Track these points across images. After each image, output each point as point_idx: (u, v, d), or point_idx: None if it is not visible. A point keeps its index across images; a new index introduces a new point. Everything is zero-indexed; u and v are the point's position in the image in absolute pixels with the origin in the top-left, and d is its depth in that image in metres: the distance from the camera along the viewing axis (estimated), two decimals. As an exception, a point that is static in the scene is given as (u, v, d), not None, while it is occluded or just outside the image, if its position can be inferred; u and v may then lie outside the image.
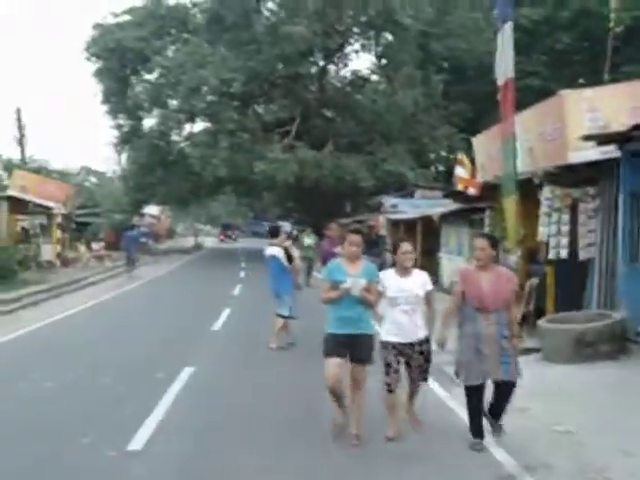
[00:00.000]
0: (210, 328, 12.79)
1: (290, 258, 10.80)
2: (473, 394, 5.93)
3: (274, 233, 11.18)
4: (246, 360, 10.01)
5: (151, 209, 49.45)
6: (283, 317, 10.81)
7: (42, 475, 5.33)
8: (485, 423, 6.07)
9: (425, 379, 6.37)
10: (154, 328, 13.14)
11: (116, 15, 35.74)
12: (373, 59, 37.59)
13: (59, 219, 28.75)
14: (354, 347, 6.00)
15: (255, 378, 8.84)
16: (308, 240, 21.55)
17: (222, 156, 30.89)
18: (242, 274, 26.14)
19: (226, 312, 14.76)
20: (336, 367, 6.01)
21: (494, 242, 6.07)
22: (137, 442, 6.04)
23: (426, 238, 20.88)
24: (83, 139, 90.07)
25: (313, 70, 35.85)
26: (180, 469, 5.52)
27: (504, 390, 5.93)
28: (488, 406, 6.10)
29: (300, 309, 11.20)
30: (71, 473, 5.42)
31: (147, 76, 36.23)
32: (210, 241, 63.25)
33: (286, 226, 17.42)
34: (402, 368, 6.23)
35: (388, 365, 6.14)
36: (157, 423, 6.62)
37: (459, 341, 6.05)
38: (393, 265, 6.38)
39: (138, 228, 31.40)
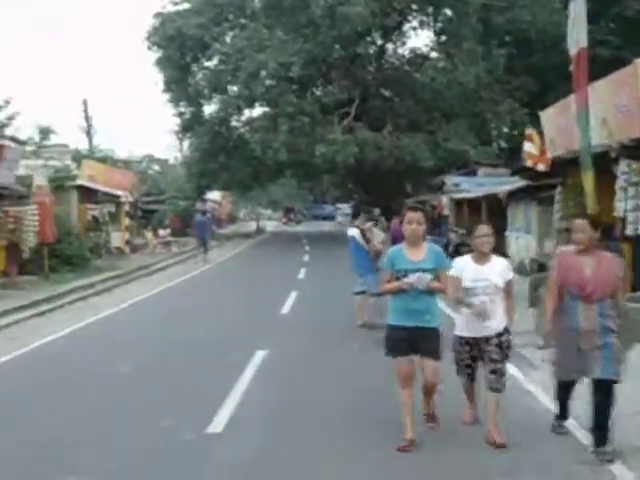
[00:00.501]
0: (279, 311, 12.90)
1: (367, 240, 10.88)
2: (564, 387, 5.53)
3: (355, 215, 11.37)
4: (317, 343, 10.03)
5: (213, 195, 50.09)
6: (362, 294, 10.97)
7: (123, 459, 5.46)
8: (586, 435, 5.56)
9: (499, 389, 5.60)
10: (224, 311, 13.35)
11: (175, 3, 36.15)
12: (432, 36, 36.94)
13: (126, 207, 29.52)
14: (419, 342, 5.40)
15: (329, 361, 8.85)
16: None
17: (282, 140, 30.97)
18: (306, 257, 26.24)
19: (293, 295, 14.85)
20: (406, 368, 5.45)
21: (594, 223, 5.34)
22: (216, 425, 6.13)
23: (492, 217, 20.39)
24: (145, 128, 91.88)
25: (371, 50, 35.45)
26: (260, 452, 5.56)
27: (604, 390, 5.21)
28: (592, 422, 5.33)
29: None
30: (152, 456, 5.52)
31: (207, 63, 36.58)
32: (271, 225, 63.74)
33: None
34: (478, 365, 5.81)
35: (463, 364, 5.79)
36: (235, 406, 6.69)
37: (556, 334, 5.42)
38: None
39: (207, 214, 32.07)
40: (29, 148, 25.63)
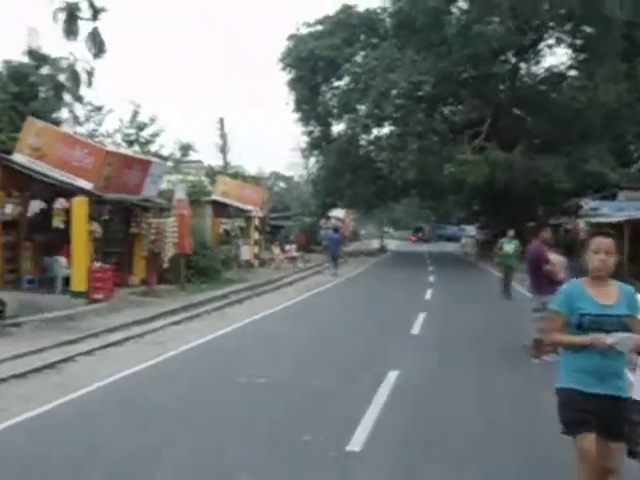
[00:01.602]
0: (409, 332, 12.73)
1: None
2: None
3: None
4: (449, 366, 9.79)
5: (337, 212, 50.69)
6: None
7: (269, 472, 5.53)
8: None
9: None
10: (353, 329, 13.35)
11: (309, 25, 37.13)
12: (569, 53, 35.59)
13: (256, 222, 30.42)
14: (606, 415, 4.06)
15: (461, 386, 8.60)
16: (509, 246, 18.68)
17: (410, 159, 30.89)
18: (431, 278, 25.85)
19: (422, 316, 14.62)
20: (597, 452, 4.06)
21: None
22: (355, 443, 6.08)
23: (635, 244, 19.24)
24: (272, 146, 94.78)
25: (505, 69, 34.66)
26: (400, 474, 5.47)
27: None
28: None
29: (497, 323, 10.78)
30: (297, 471, 5.56)
31: (337, 83, 37.29)
32: (394, 244, 63.54)
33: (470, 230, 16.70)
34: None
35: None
36: (372, 425, 6.63)
37: None
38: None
39: (338, 231, 33.07)
40: (170, 164, 27.08)
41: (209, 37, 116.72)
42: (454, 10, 33.69)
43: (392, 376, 8.79)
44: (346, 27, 35.45)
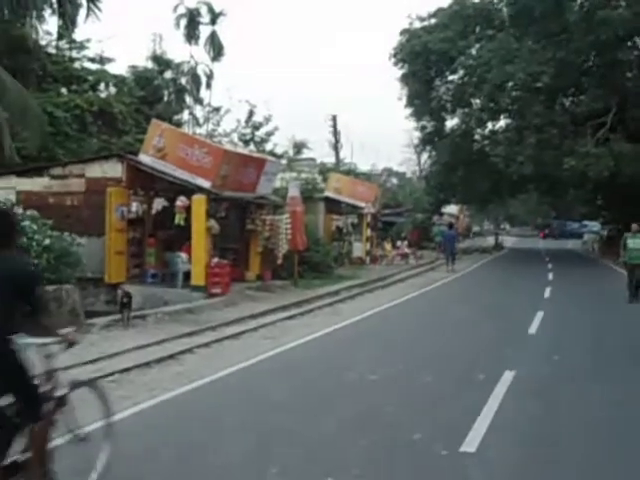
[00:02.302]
0: (526, 331, 12.30)
1: None
2: None
3: None
4: (567, 368, 9.36)
5: (450, 208, 49.80)
6: None
7: (377, 469, 5.49)
8: None
9: None
10: (468, 327, 13.07)
11: (422, 19, 36.66)
12: None
13: (368, 218, 30.46)
14: None
15: (581, 390, 8.19)
16: (633, 242, 16.68)
17: (528, 153, 29.82)
18: (550, 276, 24.84)
19: (539, 315, 14.07)
20: None
21: None
22: (469, 444, 5.93)
23: None
24: (383, 141, 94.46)
25: (632, 55, 32.62)
26: (518, 478, 5.29)
27: None
28: None
29: (621, 326, 10.19)
30: (407, 469, 5.49)
31: (451, 77, 36.60)
32: (510, 241, 61.60)
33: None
34: None
35: None
36: (487, 426, 6.44)
37: None
38: None
39: (454, 227, 33.04)
40: (284, 162, 27.68)
41: (319, 34, 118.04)
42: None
43: (508, 376, 8.52)
44: (460, 19, 34.66)
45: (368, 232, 30.35)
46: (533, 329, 12.57)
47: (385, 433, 6.33)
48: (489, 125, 36.80)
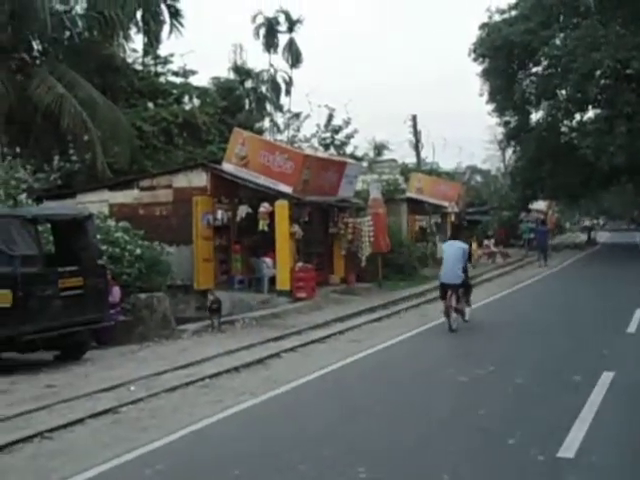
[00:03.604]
0: (624, 330, 11.71)
1: None
2: None
3: None
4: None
5: (538, 204, 48.23)
6: None
7: (471, 474, 5.35)
8: None
9: None
10: (562, 325, 12.59)
11: (503, 12, 35.78)
12: None
13: (452, 217, 29.94)
14: None
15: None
16: None
17: (619, 143, 28.52)
18: (648, 272, 23.64)
19: (638, 313, 13.37)
20: None
21: None
22: (567, 449, 5.68)
23: None
24: (465, 139, 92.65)
25: None
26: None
27: None
28: None
29: None
30: (501, 475, 5.32)
31: (534, 69, 35.53)
32: (604, 236, 59.09)
33: None
34: None
35: None
36: (585, 431, 6.15)
37: None
38: None
39: (546, 223, 33.93)
40: (364, 164, 27.59)
41: (394, 32, 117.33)
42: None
43: (607, 377, 8.15)
44: (542, 9, 33.50)
45: (452, 231, 29.80)
46: (632, 328, 11.95)
47: (477, 437, 6.16)
48: (577, 116, 35.44)
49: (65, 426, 6.72)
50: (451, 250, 12.33)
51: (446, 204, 29.01)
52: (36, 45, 20.49)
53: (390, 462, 5.56)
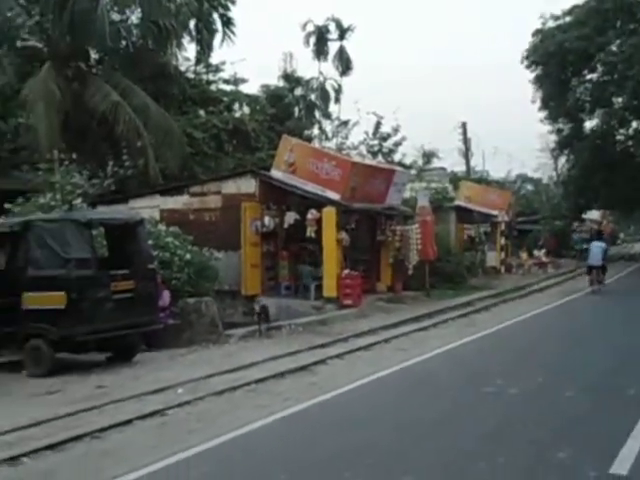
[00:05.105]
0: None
1: None
2: None
3: None
4: None
5: (592, 214, 47.08)
6: None
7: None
8: None
9: None
10: (612, 337, 12.27)
11: (557, 18, 35.13)
12: None
13: (502, 227, 29.50)
14: None
15: None
16: None
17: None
18: None
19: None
20: None
21: None
22: (621, 465, 5.50)
23: None
24: (516, 147, 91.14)
25: None
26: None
27: None
28: None
29: None
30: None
31: (589, 76, 34.76)
32: (660, 247, 57.16)
33: None
34: None
35: None
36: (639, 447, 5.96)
37: None
38: None
39: (603, 235, 30.68)
40: (413, 172, 27.44)
41: (445, 39, 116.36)
42: None
43: (661, 393, 7.87)
44: (598, 15, 32.76)
45: (502, 241, 29.37)
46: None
47: (527, 451, 6.01)
48: (634, 124, 34.52)
49: (114, 426, 6.85)
50: (596, 245, 21.46)
51: (495, 213, 28.59)
52: (93, 54, 21.08)
53: (437, 473, 5.49)
